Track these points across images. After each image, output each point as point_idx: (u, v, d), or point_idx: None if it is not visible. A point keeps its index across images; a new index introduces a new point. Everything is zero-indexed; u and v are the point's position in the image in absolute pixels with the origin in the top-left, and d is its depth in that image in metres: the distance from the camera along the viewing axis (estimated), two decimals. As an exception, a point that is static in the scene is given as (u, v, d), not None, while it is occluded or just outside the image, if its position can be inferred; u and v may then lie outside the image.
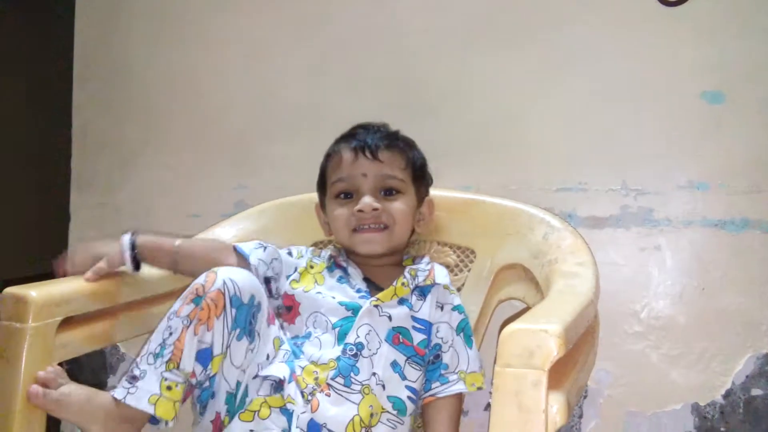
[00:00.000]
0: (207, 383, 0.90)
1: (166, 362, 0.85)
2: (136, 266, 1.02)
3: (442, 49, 1.41)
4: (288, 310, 1.03)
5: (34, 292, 0.89)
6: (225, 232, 1.23)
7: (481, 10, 1.38)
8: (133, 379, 0.85)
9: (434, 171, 1.18)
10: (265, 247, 1.05)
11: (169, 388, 0.84)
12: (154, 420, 0.87)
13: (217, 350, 0.87)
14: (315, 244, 1.23)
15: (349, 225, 1.04)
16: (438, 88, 1.41)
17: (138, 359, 0.87)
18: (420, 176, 1.10)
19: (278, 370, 0.91)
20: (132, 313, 1.04)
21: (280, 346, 0.96)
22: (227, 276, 0.88)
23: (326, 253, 1.10)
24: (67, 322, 0.93)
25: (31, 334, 0.87)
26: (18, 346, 0.86)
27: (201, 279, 0.89)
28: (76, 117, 1.68)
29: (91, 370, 1.60)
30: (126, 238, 1.00)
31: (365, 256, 1.05)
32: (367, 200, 1.01)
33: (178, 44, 1.60)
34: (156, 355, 0.86)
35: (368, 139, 1.05)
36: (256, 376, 0.91)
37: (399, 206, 1.04)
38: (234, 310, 0.88)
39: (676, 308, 1.27)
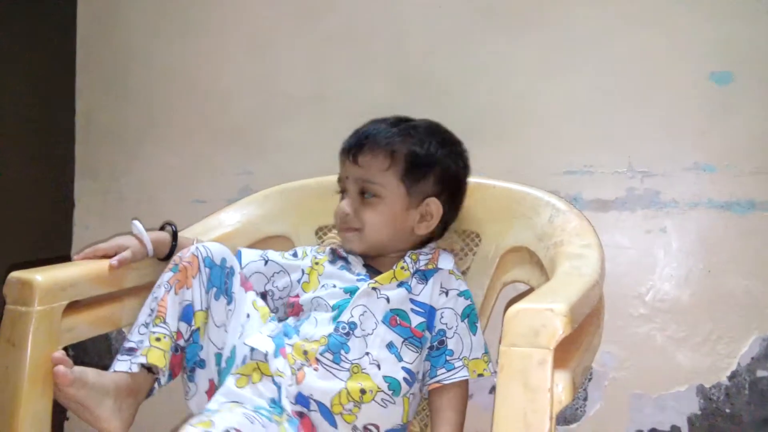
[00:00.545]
0: (191, 339, 0.94)
1: (153, 320, 0.92)
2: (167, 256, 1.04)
3: (446, 33, 1.39)
4: (292, 306, 1.06)
5: (40, 276, 0.89)
6: (230, 217, 1.24)
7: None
8: (132, 351, 0.91)
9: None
10: (267, 261, 1.08)
11: (158, 339, 0.91)
12: (149, 393, 0.93)
13: (197, 305, 0.94)
14: (319, 229, 1.24)
15: (337, 224, 1.07)
16: (442, 72, 1.40)
17: (130, 333, 0.94)
18: (418, 176, 1.03)
19: (263, 344, 0.94)
20: (137, 298, 1.04)
21: (268, 319, 1.01)
22: (200, 244, 0.98)
23: (329, 248, 1.12)
24: (73, 307, 0.93)
25: (36, 317, 0.87)
26: (24, 329, 0.87)
27: (179, 253, 0.98)
28: (79, 103, 1.68)
29: (96, 354, 1.61)
30: (142, 229, 1.01)
31: (348, 252, 1.07)
32: (341, 205, 1.05)
33: (181, 30, 1.60)
34: (146, 325, 0.93)
35: (353, 140, 1.05)
36: (240, 336, 0.97)
37: (371, 212, 1.02)
38: (208, 270, 0.96)
39: (682, 290, 1.26)
